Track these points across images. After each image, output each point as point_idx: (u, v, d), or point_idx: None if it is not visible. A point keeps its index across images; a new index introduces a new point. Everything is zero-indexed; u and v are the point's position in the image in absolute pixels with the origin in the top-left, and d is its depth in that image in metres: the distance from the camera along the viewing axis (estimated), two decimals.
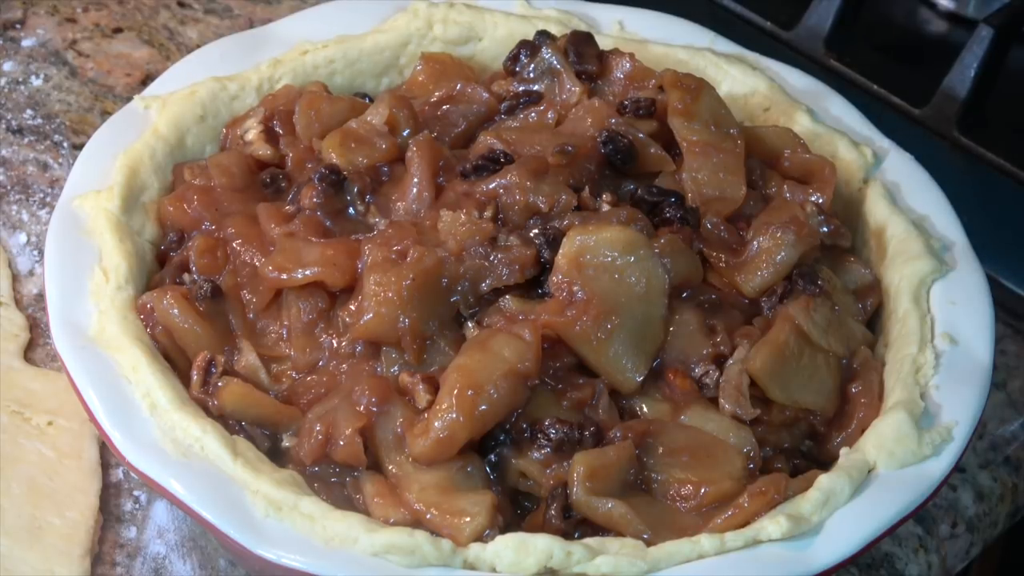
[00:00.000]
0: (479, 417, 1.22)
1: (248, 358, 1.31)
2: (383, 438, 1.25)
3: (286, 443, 1.28)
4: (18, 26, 1.83)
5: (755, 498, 1.21)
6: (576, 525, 1.22)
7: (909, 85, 1.77)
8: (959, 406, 1.29)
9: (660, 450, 1.25)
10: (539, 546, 1.17)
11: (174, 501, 1.21)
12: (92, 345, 1.29)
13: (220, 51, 1.55)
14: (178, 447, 1.23)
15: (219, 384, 1.28)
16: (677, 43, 1.58)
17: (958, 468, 1.27)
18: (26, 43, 1.80)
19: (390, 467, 1.24)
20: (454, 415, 1.21)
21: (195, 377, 1.29)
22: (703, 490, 1.23)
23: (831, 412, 1.32)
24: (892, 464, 1.25)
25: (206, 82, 1.49)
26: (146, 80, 1.74)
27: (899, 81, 1.78)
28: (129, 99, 1.49)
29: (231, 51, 1.55)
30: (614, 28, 1.60)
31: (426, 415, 1.23)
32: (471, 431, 1.22)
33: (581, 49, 1.47)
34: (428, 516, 1.20)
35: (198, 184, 1.41)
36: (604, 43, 1.51)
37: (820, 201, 1.41)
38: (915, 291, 1.37)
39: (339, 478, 1.26)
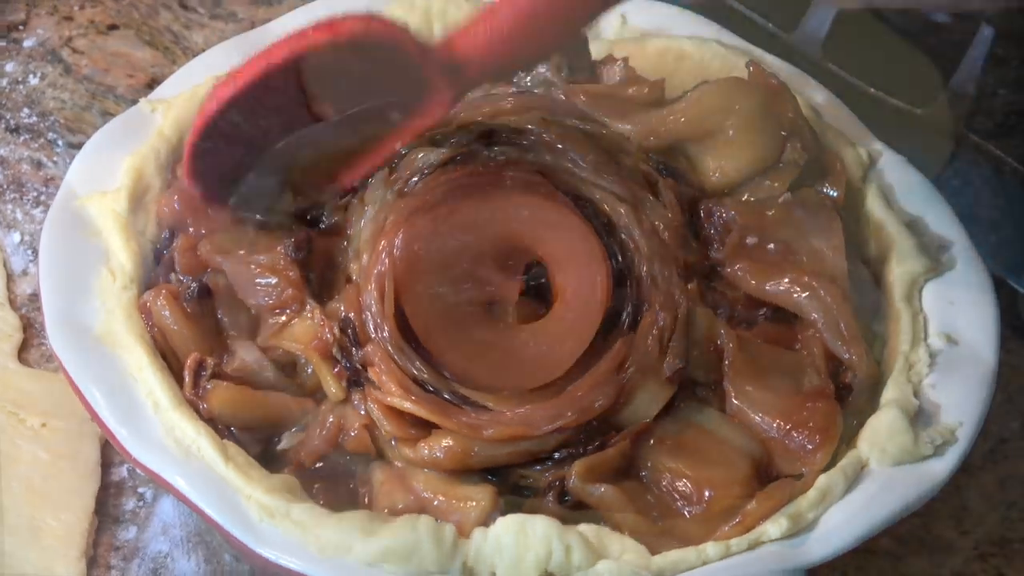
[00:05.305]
0: (465, 465, 1.22)
1: (246, 358, 1.29)
2: (383, 436, 1.25)
3: (284, 444, 1.28)
4: (21, 27, 1.83)
5: (763, 503, 1.21)
6: (572, 510, 1.22)
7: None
8: (960, 406, 1.28)
9: (661, 450, 1.24)
10: (538, 532, 1.16)
11: (180, 497, 1.21)
12: (96, 344, 1.28)
13: (225, 53, 1.54)
14: (180, 447, 1.23)
15: (207, 387, 1.27)
16: (682, 34, 1.56)
17: (960, 468, 1.26)
18: (27, 44, 1.81)
19: (395, 461, 1.25)
20: (440, 455, 1.22)
21: (187, 379, 1.28)
22: (707, 493, 1.22)
23: None
24: (885, 461, 1.24)
25: (207, 83, 1.49)
26: (151, 83, 1.74)
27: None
28: (132, 101, 1.50)
29: (235, 53, 1.53)
30: (615, 24, 1.59)
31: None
32: (453, 469, 1.23)
33: (574, 63, 1.46)
34: (435, 503, 1.21)
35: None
36: (603, 46, 1.51)
37: (834, 195, 1.40)
38: (907, 291, 1.36)
39: (346, 472, 1.26)
